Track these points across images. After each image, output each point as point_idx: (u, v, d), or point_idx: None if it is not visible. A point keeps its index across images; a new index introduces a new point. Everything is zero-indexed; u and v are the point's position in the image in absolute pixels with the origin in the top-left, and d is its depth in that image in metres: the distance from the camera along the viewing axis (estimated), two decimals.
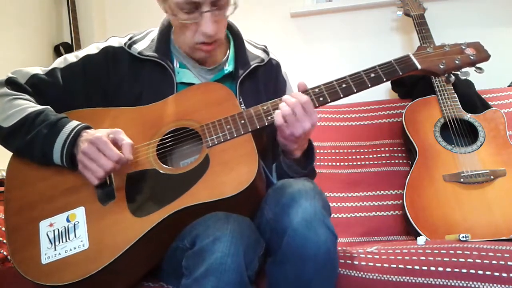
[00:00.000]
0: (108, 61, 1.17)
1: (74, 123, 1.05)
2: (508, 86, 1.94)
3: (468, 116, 1.66)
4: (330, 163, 1.79)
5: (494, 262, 0.96)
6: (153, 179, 1.03)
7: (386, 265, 1.02)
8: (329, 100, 1.08)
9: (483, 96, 1.81)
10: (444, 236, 1.28)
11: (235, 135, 1.05)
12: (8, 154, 1.10)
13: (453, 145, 1.60)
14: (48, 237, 0.98)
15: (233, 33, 1.27)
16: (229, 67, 1.23)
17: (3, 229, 1.03)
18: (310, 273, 0.90)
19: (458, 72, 1.14)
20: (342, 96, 1.08)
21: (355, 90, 1.08)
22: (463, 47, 1.15)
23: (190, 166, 1.03)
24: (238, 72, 1.20)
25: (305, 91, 1.09)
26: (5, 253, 1.12)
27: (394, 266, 1.02)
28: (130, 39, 1.21)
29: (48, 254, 0.97)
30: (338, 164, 1.79)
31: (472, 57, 1.13)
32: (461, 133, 1.63)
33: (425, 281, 0.97)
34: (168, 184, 1.02)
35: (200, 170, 1.01)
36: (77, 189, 1.03)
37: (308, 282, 0.90)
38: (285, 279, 0.92)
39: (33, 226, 1.00)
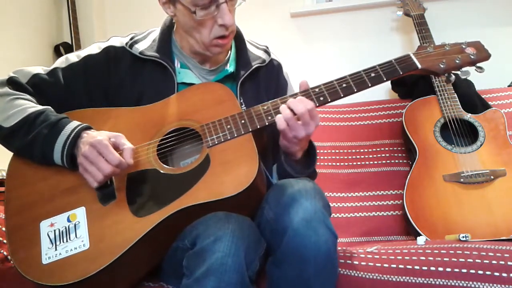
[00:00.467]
0: (109, 61, 1.17)
1: (74, 124, 1.05)
2: (508, 86, 1.94)
3: (468, 116, 1.66)
4: (330, 163, 1.79)
5: (494, 262, 0.96)
6: (154, 179, 1.03)
7: (386, 265, 1.03)
8: (329, 100, 1.08)
9: (483, 96, 1.81)
10: (444, 236, 1.29)
11: (236, 135, 1.05)
12: (8, 154, 1.10)
13: (453, 145, 1.60)
14: (49, 237, 0.98)
15: (235, 34, 1.27)
16: (230, 68, 1.23)
17: (3, 229, 1.03)
18: (310, 273, 0.90)
19: (459, 72, 1.14)
20: (342, 95, 1.08)
21: (355, 90, 1.08)
22: (464, 46, 1.15)
23: (190, 166, 1.03)
24: (239, 73, 1.20)
25: (305, 91, 1.09)
26: (5, 253, 1.12)
27: (394, 266, 1.02)
28: (131, 38, 1.21)
29: (49, 254, 0.97)
30: (338, 164, 1.79)
31: (472, 57, 1.13)
32: (461, 133, 1.63)
33: (425, 281, 0.97)
34: (169, 184, 1.02)
35: (200, 170, 1.01)
36: (78, 189, 1.03)
37: (308, 282, 0.90)
38: (285, 279, 0.92)
39: (33, 226, 1.00)
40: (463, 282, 0.95)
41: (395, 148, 1.80)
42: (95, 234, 0.97)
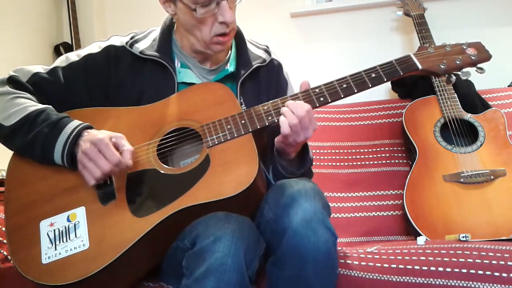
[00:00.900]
0: (109, 60, 1.17)
1: (75, 123, 1.05)
2: (508, 86, 1.94)
3: (468, 116, 1.66)
4: (330, 163, 1.79)
5: (494, 262, 0.96)
6: (154, 179, 1.03)
7: (386, 265, 1.03)
8: (329, 100, 1.08)
9: (483, 96, 1.81)
10: (444, 236, 1.28)
11: (236, 135, 1.05)
12: (8, 154, 1.09)
13: (453, 145, 1.60)
14: (49, 236, 0.98)
15: (235, 33, 1.27)
16: (230, 67, 1.23)
17: (3, 229, 1.03)
18: (310, 273, 0.90)
19: (459, 72, 1.14)
20: (342, 96, 1.08)
21: (355, 90, 1.08)
22: (464, 47, 1.15)
23: (190, 166, 1.03)
24: (239, 73, 1.20)
25: (306, 91, 1.09)
26: (5, 253, 1.12)
27: (394, 266, 1.02)
28: (132, 38, 1.21)
29: (49, 253, 0.97)
30: (338, 164, 1.79)
31: (473, 57, 1.13)
32: (461, 133, 1.63)
33: (425, 281, 0.97)
34: (169, 184, 1.02)
35: (200, 170, 1.01)
36: (78, 189, 1.03)
37: (308, 282, 0.90)
38: (285, 279, 0.92)
39: (33, 226, 1.00)
40: (463, 282, 0.95)
41: (395, 148, 1.80)
42: (95, 234, 0.97)
